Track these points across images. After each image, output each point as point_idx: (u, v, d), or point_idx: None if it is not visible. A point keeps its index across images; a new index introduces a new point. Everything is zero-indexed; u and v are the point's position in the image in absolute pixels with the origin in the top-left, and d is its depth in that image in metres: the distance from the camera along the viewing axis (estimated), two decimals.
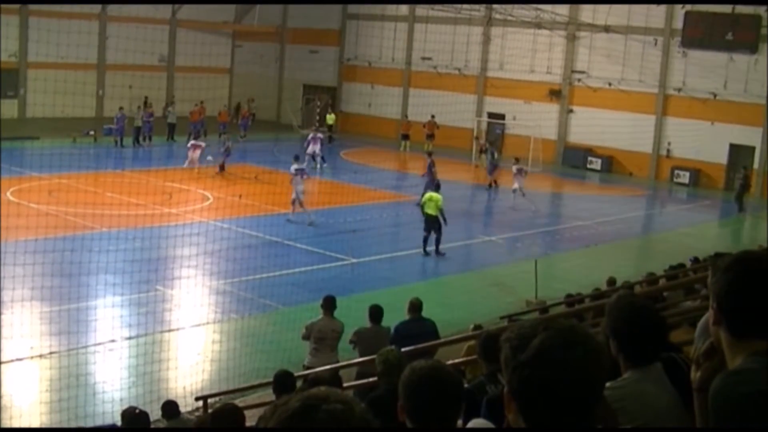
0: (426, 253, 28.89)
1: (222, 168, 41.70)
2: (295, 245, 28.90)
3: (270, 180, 39.42)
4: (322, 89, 65.51)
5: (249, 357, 18.92)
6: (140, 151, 49.04)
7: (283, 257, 26.98)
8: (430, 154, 39.15)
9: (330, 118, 58.86)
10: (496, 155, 44.30)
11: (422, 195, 32.64)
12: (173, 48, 64.53)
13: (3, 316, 20.18)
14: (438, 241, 28.97)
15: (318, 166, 44.69)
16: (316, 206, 33.60)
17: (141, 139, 51.27)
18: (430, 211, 28.91)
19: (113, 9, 60.36)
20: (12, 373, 17.78)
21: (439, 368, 4.80)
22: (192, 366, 18.85)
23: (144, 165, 39.86)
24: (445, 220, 29.03)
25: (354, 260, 27.35)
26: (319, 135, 47.68)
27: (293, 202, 32.77)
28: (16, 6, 56.76)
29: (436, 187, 30.32)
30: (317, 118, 61.34)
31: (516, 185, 38.52)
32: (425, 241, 28.98)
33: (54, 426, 15.71)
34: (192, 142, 43.66)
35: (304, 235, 30.40)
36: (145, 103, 56.27)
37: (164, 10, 62.66)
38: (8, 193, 34.24)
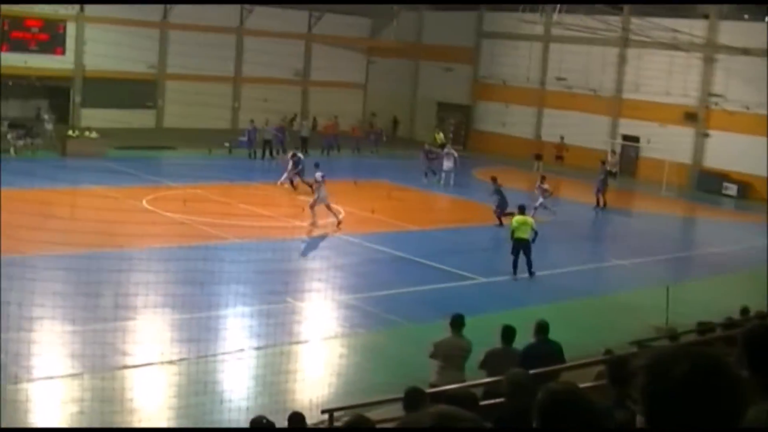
0: (515, 279, 27.49)
1: (292, 184, 40.58)
2: (423, 262, 28.82)
3: (401, 197, 39.51)
4: (455, 107, 65.46)
5: (373, 372, 18.91)
6: (273, 164, 49.62)
7: (411, 274, 27.00)
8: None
9: (438, 137, 58.76)
10: (606, 176, 43.13)
11: (499, 214, 32.47)
12: (308, 62, 65.30)
13: (135, 321, 20.65)
14: (530, 264, 27.61)
15: (441, 181, 44.60)
16: (446, 224, 33.56)
17: (274, 152, 51.91)
18: (523, 235, 27.55)
19: (251, 23, 61.42)
20: (142, 378, 18.12)
21: (575, 391, 4.67)
22: (318, 378, 18.91)
23: (276, 178, 40.24)
24: (534, 239, 27.89)
25: (482, 279, 27.16)
26: (453, 152, 47.63)
27: (312, 206, 33.05)
28: (157, 19, 58.13)
29: (521, 209, 28.77)
30: (451, 135, 61.35)
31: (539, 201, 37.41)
32: (516, 265, 27.49)
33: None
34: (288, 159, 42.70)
35: (433, 251, 30.26)
36: (292, 119, 57.01)
37: (301, 25, 63.47)
38: (144, 202, 35.06)
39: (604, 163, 44.37)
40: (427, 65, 67.93)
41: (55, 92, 55.95)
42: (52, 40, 55.70)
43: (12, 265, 23.00)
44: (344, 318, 23.30)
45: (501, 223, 34.14)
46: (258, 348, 19.92)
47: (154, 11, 57.68)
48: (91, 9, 55.77)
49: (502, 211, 34.53)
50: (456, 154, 47.62)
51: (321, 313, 23.87)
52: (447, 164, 45.98)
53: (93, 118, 53.77)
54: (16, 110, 52.91)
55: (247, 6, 60.90)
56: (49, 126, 50.49)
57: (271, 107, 57.28)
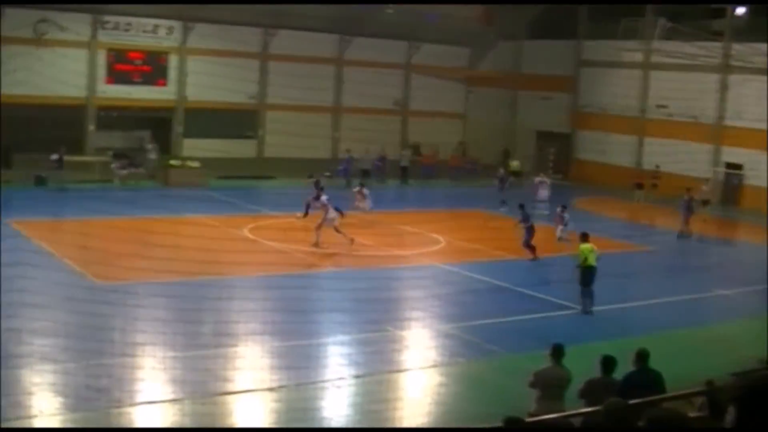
0: (590, 312, 26.24)
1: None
2: (522, 291, 28.53)
3: (499, 226, 39.25)
4: (555, 136, 65.00)
5: (473, 401, 18.72)
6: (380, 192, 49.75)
7: (510, 303, 26.77)
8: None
9: (515, 165, 58.26)
10: (690, 203, 42.09)
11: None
12: (407, 92, 65.43)
13: (236, 348, 20.79)
14: (593, 295, 26.35)
15: (543, 212, 44.06)
16: (544, 253, 33.22)
17: (378, 179, 52.18)
18: (594, 262, 26.38)
19: (350, 53, 61.75)
20: (241, 404, 18.20)
21: (680, 418, 4.54)
22: (417, 407, 18.80)
23: (375, 207, 40.30)
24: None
25: (581, 309, 26.77)
26: (547, 181, 47.28)
27: (318, 228, 32.92)
28: (258, 50, 58.83)
29: (584, 237, 27.34)
30: (550, 165, 60.93)
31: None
32: (591, 296, 26.24)
33: None
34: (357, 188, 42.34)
35: (532, 280, 29.96)
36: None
37: (399, 55, 63.61)
38: (245, 230, 35.40)
39: (689, 190, 43.43)
40: (526, 94, 67.57)
41: (158, 123, 56.87)
42: (154, 72, 56.72)
43: (115, 292, 23.43)
44: (443, 347, 23.13)
45: (534, 256, 33.43)
46: (357, 376, 19.88)
47: (254, 42, 58.40)
48: (192, 41, 56.67)
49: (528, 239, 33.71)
50: (549, 181, 47.18)
51: (420, 341, 23.74)
52: (542, 193, 45.57)
53: (195, 148, 54.57)
54: (120, 141, 53.92)
55: (345, 37, 61.30)
56: (152, 156, 51.41)
57: (370, 137, 57.49)
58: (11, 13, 50.52)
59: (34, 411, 16.63)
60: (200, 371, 18.74)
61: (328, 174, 52.00)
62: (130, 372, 18.63)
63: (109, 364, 18.76)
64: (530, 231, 33.64)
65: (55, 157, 46.12)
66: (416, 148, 62.24)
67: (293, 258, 31.04)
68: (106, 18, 54.41)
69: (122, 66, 55.69)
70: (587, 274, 26.22)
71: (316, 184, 35.98)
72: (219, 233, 34.26)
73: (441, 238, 36.49)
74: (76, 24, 53.34)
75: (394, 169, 54.56)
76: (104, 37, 54.74)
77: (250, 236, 34.71)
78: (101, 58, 54.97)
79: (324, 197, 33.98)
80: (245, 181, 49.66)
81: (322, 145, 60.29)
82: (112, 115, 55.20)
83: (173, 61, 57.02)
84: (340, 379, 19.71)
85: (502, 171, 53.95)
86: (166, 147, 55.50)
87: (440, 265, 31.71)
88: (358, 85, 60.02)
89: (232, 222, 36.90)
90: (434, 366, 21.68)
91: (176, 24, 56.65)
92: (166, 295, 23.50)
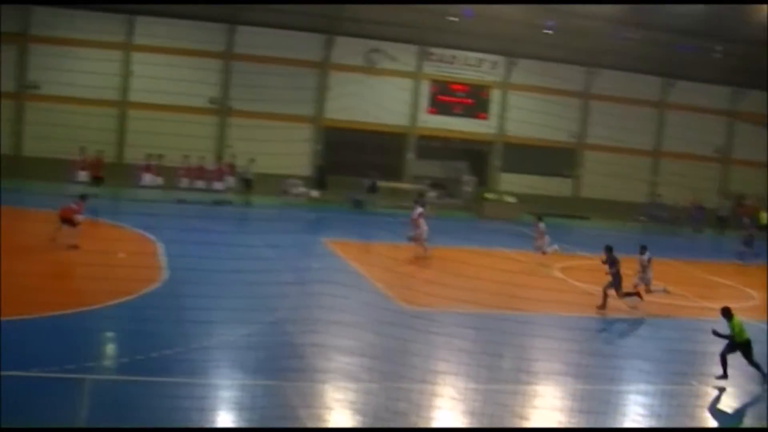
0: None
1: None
2: None
3: None
4: None
5: None
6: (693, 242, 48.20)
7: None
8: None
9: (763, 217, 54.21)
10: None
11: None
12: (730, 139, 62.71)
13: (534, 386, 20.49)
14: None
15: None
16: None
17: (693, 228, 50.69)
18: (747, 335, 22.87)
19: (673, 96, 60.05)
20: None
21: None
22: None
23: (692, 255, 38.95)
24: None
25: None
26: None
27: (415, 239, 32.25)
28: (579, 89, 58.43)
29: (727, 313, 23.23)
30: None
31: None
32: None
33: None
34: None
35: None
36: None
37: (722, 101, 61.02)
38: (555, 269, 35.06)
39: None
40: None
41: (475, 155, 57.56)
42: (476, 104, 57.51)
43: (420, 318, 23.67)
44: (753, 408, 21.85)
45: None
46: (658, 428, 19.09)
47: (577, 81, 58.12)
48: (515, 76, 57.07)
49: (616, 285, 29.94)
50: None
51: (726, 400, 22.54)
52: None
53: (510, 182, 54.85)
54: (437, 170, 54.92)
55: (670, 80, 59.77)
56: (468, 188, 51.95)
57: (687, 183, 55.84)
58: (342, 41, 52.77)
59: (331, 425, 16.99)
60: (498, 405, 18.54)
61: (642, 218, 50.85)
62: (428, 398, 18.73)
63: (408, 388, 18.91)
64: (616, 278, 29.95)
65: (368, 182, 47.51)
66: (739, 198, 59.57)
67: (599, 301, 30.37)
68: (432, 50, 55.70)
69: (445, 97, 56.85)
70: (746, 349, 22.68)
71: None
72: (527, 269, 34.09)
73: (754, 294, 34.74)
74: (404, 55, 54.94)
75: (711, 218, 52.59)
76: (429, 69, 56.14)
77: (560, 275, 34.32)
78: (425, 89, 56.35)
79: (417, 210, 34.03)
80: (559, 219, 49.29)
81: (639, 189, 58.93)
82: (431, 144, 56.36)
83: (495, 95, 57.61)
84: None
85: (746, 220, 49.30)
86: (482, 180, 56.06)
87: (752, 321, 30.09)
88: (678, 129, 58.53)
89: (543, 259, 36.58)
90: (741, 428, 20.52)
91: (500, 59, 57.21)
92: (469, 326, 23.51)
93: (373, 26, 52.15)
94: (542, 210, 48.96)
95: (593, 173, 57.58)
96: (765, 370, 22.49)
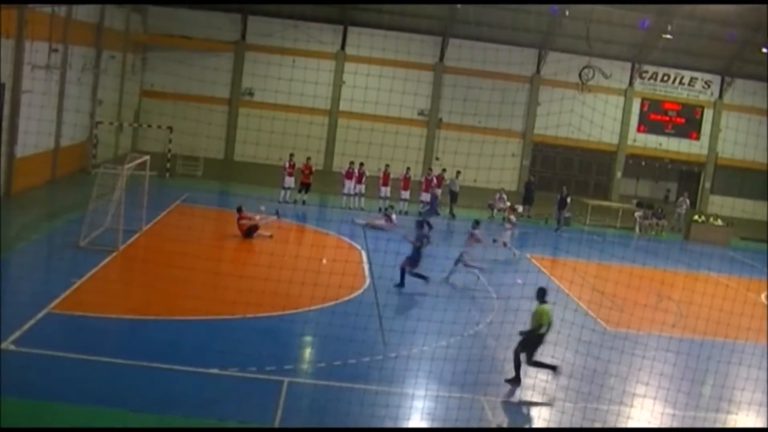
0: None
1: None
2: None
3: None
4: None
5: None
6: None
7: None
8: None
9: None
10: None
11: None
12: None
13: (735, 416, 20.22)
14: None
15: None
16: None
17: None
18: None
19: None
20: None
21: None
22: None
23: None
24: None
25: None
26: None
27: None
28: None
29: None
30: None
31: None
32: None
33: None
34: None
35: None
36: None
37: None
38: (762, 296, 34.28)
39: None
40: None
41: (685, 176, 56.62)
42: (687, 124, 56.63)
43: (623, 339, 23.69)
44: None
45: None
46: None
47: None
48: (730, 96, 55.89)
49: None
50: None
51: None
52: None
53: (720, 205, 53.71)
54: (646, 190, 54.35)
55: None
56: (681, 210, 50.92)
57: None
58: (554, 57, 52.91)
59: None
60: None
61: None
62: (624, 421, 18.77)
63: (604, 409, 19.04)
64: None
65: (559, 197, 46.79)
66: None
67: None
68: (645, 68, 55.19)
69: (656, 116, 56.25)
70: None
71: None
72: (733, 294, 33.40)
73: None
74: (617, 71, 54.66)
75: None
76: (641, 86, 55.60)
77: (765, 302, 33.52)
78: (635, 107, 55.86)
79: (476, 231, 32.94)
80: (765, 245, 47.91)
81: None
82: (640, 163, 55.79)
83: (708, 115, 56.54)
84: None
85: None
86: (691, 201, 55.09)
87: None
88: None
89: (750, 285, 35.77)
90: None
91: (714, 78, 56.15)
92: (671, 350, 23.37)
93: (584, 42, 52.07)
94: (753, 234, 47.80)
95: None
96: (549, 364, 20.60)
